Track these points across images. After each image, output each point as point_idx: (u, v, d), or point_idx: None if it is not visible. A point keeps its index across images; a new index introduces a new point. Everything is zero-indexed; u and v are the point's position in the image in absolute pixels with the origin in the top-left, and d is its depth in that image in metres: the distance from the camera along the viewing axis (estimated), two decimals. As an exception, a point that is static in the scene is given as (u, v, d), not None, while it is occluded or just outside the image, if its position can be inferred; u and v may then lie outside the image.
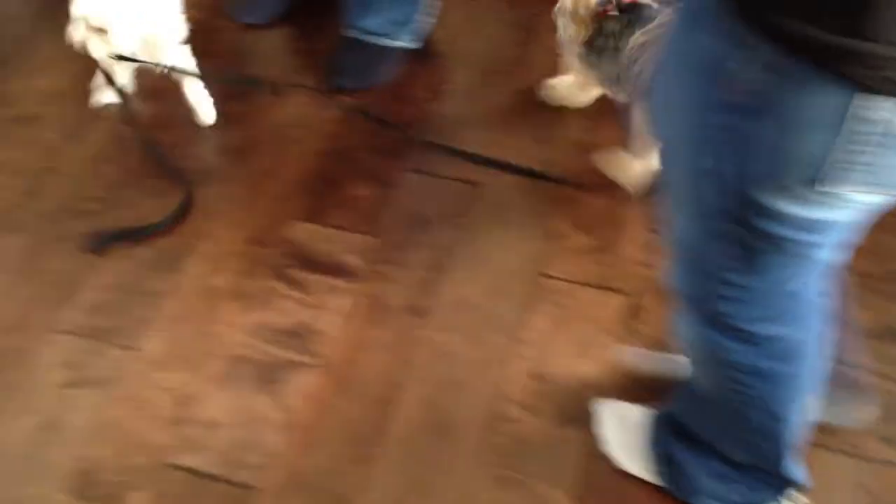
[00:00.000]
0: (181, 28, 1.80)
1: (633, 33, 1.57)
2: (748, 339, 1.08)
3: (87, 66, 1.97)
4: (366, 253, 1.69)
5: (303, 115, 1.91)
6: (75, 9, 1.66)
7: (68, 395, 1.50)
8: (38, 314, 1.61)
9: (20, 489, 1.40)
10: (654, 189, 1.57)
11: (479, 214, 1.75)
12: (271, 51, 2.05)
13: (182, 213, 1.73)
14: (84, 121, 1.90)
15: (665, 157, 1.03)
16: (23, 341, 1.57)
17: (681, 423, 1.32)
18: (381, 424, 1.47)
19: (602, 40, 1.61)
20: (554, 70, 1.85)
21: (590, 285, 1.65)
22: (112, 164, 1.83)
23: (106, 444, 1.45)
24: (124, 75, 1.82)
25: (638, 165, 1.71)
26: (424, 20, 1.98)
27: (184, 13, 2.01)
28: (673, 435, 1.34)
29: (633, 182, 1.74)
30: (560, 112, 1.88)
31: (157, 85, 1.85)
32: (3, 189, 1.79)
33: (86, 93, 1.94)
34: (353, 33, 1.94)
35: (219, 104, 1.90)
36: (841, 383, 1.34)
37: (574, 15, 1.64)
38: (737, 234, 0.95)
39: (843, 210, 0.90)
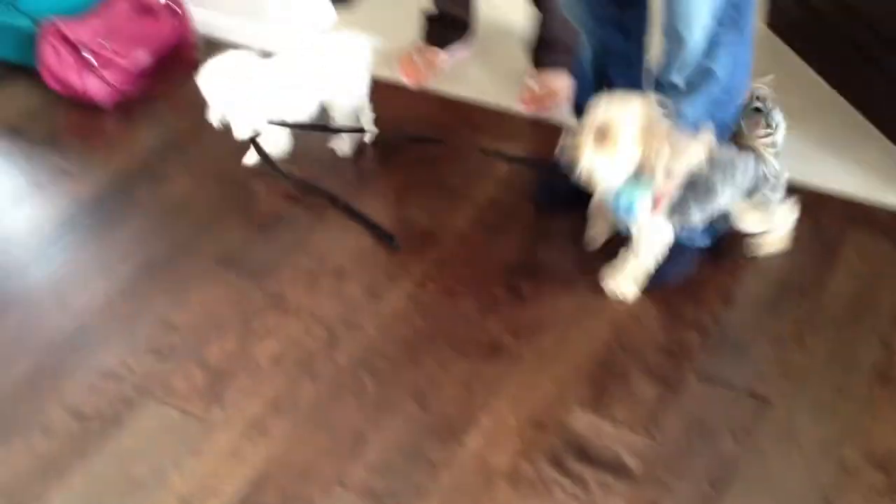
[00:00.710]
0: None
1: None
2: None
3: (395, 225, 2.12)
4: (644, 454, 1.66)
5: (593, 304, 1.94)
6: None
7: (345, 553, 1.55)
8: (325, 464, 1.68)
9: None
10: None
11: (768, 432, 1.68)
12: (564, 235, 2.10)
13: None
14: (385, 280, 2.03)
15: None
16: (310, 490, 1.64)
17: None
18: None
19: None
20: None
21: (883, 528, 1.53)
22: (407, 325, 1.93)
23: None
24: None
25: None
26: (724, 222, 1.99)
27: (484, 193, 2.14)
28: None
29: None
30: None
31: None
32: (306, 335, 1.92)
33: (387, 253, 2.08)
34: (651, 229, 1.97)
35: (513, 282, 1.99)
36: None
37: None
38: None
39: None
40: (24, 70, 2.68)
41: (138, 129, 2.52)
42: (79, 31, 2.57)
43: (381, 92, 2.37)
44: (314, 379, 1.84)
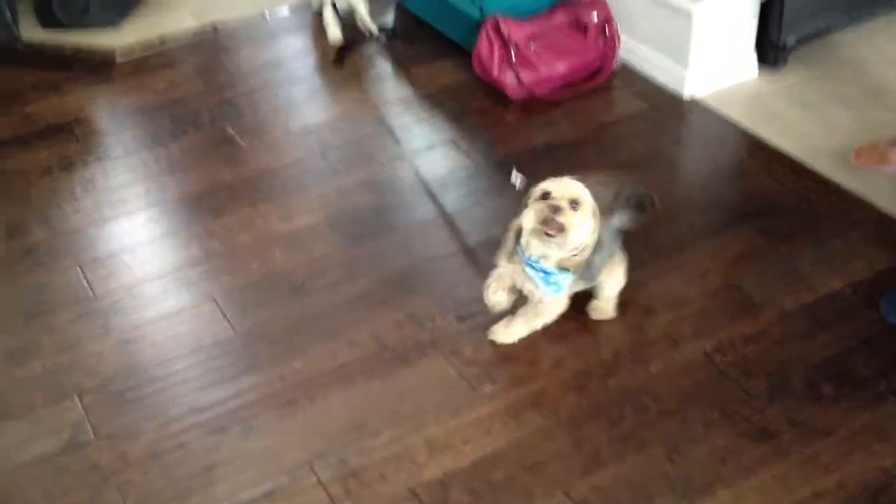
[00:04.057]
0: None
1: None
2: None
3: (721, 286, 2.16)
4: None
5: (889, 427, 1.83)
6: None
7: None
8: (557, 468, 1.80)
9: None
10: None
11: None
12: (892, 353, 2.00)
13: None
14: (689, 330, 2.08)
15: None
16: (534, 484, 1.77)
17: None
18: None
19: None
20: None
21: None
22: (689, 379, 1.97)
23: None
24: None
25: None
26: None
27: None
28: None
29: None
30: None
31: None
32: (593, 352, 2.04)
33: (701, 308, 2.13)
34: None
35: (815, 379, 1.95)
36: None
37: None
38: None
39: None
40: (461, 51, 3.08)
41: (531, 127, 2.79)
42: (514, 30, 2.90)
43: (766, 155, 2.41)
44: (581, 392, 1.96)
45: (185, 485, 1.80)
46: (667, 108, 2.84)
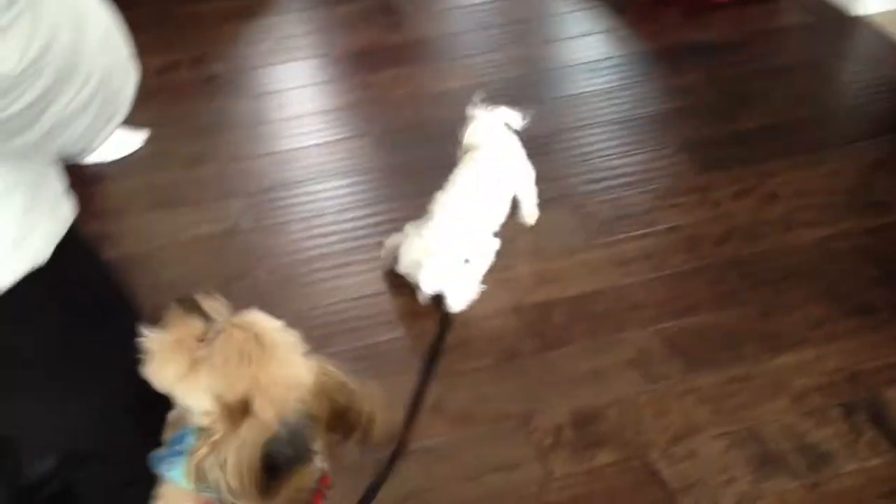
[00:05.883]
0: None
1: None
2: None
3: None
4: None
5: None
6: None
7: None
8: (652, 308, 2.03)
9: None
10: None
11: None
12: None
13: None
14: (816, 213, 2.26)
15: None
16: (628, 318, 2.01)
17: None
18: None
19: None
20: None
21: None
22: (802, 254, 2.15)
23: None
24: None
25: None
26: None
27: None
28: None
29: None
30: None
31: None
32: (713, 222, 2.24)
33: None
34: None
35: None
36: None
37: None
38: None
39: None
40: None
41: (690, 25, 2.98)
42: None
43: None
44: (690, 254, 2.17)
45: (319, 275, 2.14)
46: (833, 22, 2.96)
